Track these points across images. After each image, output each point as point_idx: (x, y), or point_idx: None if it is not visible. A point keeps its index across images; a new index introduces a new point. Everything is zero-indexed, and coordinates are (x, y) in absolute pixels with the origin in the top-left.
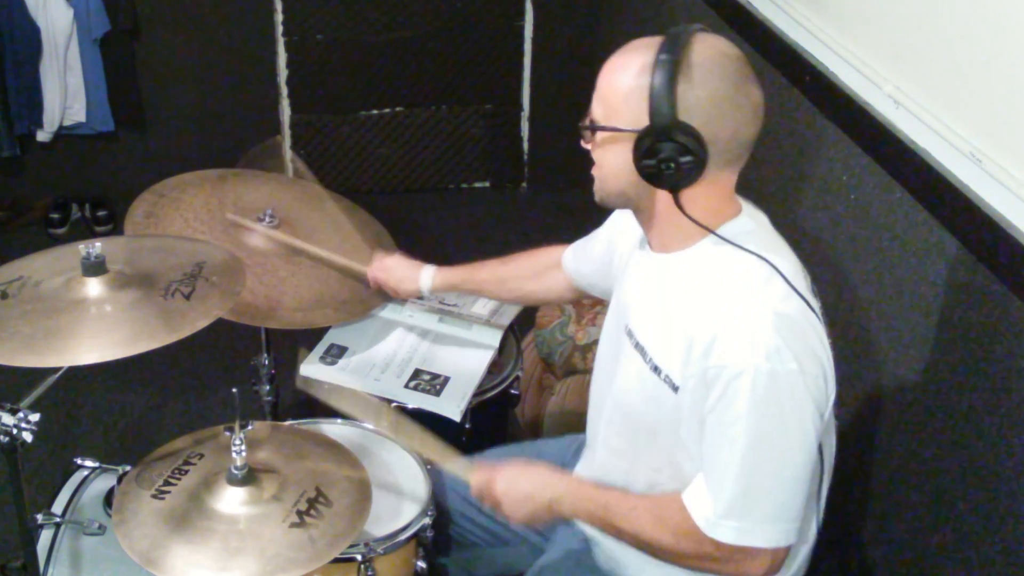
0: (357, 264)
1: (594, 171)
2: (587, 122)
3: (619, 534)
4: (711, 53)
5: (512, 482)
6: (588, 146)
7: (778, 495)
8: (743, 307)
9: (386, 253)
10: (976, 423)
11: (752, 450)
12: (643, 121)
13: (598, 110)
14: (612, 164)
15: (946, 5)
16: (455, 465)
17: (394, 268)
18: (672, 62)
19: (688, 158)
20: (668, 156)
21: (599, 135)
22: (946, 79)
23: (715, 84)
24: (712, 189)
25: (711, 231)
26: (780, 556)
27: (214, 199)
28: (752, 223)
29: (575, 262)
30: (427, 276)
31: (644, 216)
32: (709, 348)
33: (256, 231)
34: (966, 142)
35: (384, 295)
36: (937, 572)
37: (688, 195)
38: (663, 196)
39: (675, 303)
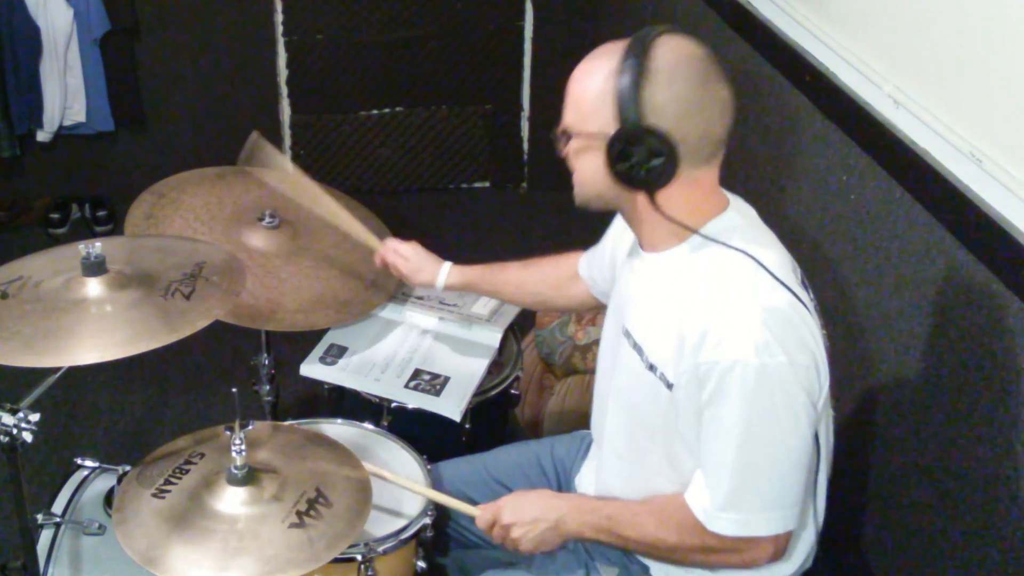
0: (370, 238)
1: (573, 176)
2: (560, 130)
3: (626, 543)
4: (675, 55)
5: (517, 509)
6: (563, 153)
7: (774, 484)
8: (731, 303)
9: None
10: (976, 423)
11: (746, 443)
12: (612, 126)
13: (570, 117)
14: (587, 169)
15: (946, 5)
16: (457, 503)
17: (411, 256)
18: (636, 66)
19: (659, 160)
20: (639, 159)
21: (572, 142)
22: (946, 79)
23: (680, 85)
24: (690, 187)
25: (693, 230)
26: (782, 542)
27: (214, 199)
28: (739, 218)
29: (589, 269)
30: (444, 273)
31: (628, 217)
32: (699, 345)
33: (273, 177)
34: (966, 142)
35: (384, 291)
36: (937, 571)
37: (665, 195)
38: (642, 198)
39: (666, 301)
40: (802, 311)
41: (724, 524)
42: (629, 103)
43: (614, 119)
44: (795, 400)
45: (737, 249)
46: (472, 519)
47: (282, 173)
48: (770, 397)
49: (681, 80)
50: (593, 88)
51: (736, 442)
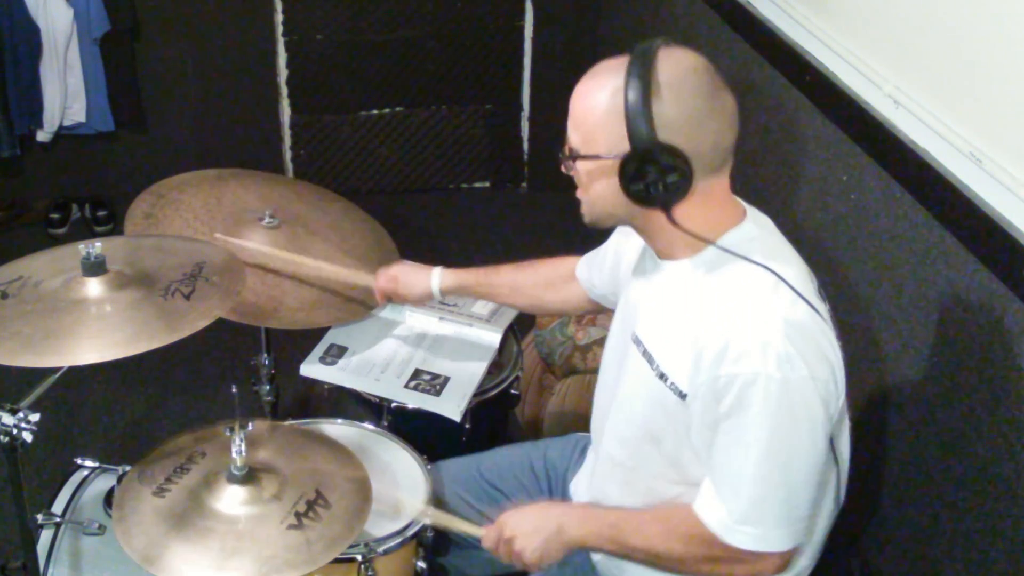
0: (361, 277)
1: (580, 194)
2: (566, 151)
3: (630, 551)
4: (679, 68)
5: (518, 521)
6: (571, 173)
7: (791, 498)
8: (753, 316)
9: (388, 264)
10: (976, 423)
11: (766, 457)
12: (623, 145)
13: (575, 137)
14: (598, 190)
15: (946, 5)
16: (464, 526)
17: (401, 275)
18: (642, 81)
19: (674, 176)
20: (654, 177)
21: (580, 163)
22: (946, 79)
23: (689, 99)
24: (705, 199)
25: (713, 243)
26: (789, 555)
27: (214, 199)
28: (756, 229)
29: (588, 272)
30: (436, 279)
31: (642, 232)
32: (720, 357)
33: (249, 247)
34: (966, 142)
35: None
36: (938, 571)
37: (682, 209)
38: (657, 214)
39: (682, 311)
40: (821, 324)
41: (742, 538)
42: (640, 120)
43: (624, 137)
44: (815, 414)
45: (756, 263)
46: (478, 539)
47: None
48: (791, 411)
49: (689, 93)
50: (599, 107)
51: (756, 455)
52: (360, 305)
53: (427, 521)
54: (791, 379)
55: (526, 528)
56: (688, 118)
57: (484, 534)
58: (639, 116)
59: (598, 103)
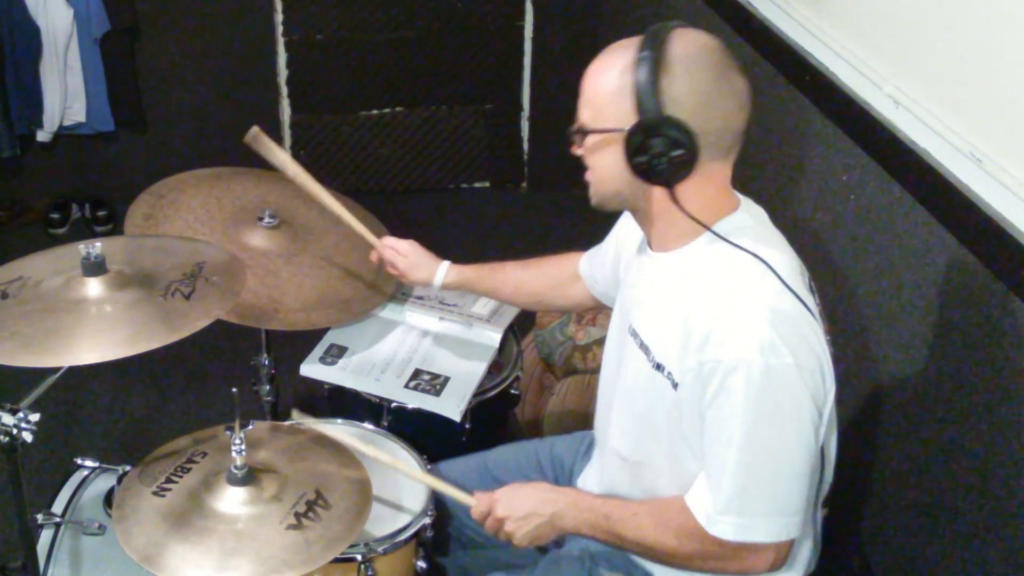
0: (368, 234)
1: (588, 176)
2: (575, 127)
3: (622, 543)
4: (691, 47)
5: (512, 503)
6: (579, 152)
7: (777, 490)
8: (737, 302)
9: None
10: (976, 423)
11: (749, 446)
12: (631, 119)
13: (585, 114)
14: (605, 165)
15: (946, 5)
16: (454, 491)
17: (409, 253)
18: (653, 58)
19: (679, 151)
20: (659, 151)
21: (589, 139)
22: (946, 79)
23: (698, 76)
24: (706, 183)
25: (707, 227)
26: (784, 550)
27: (213, 199)
28: (749, 218)
29: (590, 268)
30: (442, 272)
31: (642, 216)
32: (704, 343)
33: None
34: (966, 142)
35: (385, 291)
36: (936, 572)
37: (683, 190)
38: (659, 193)
39: (674, 301)
40: (808, 317)
41: (724, 528)
42: (648, 94)
43: (632, 112)
44: (800, 403)
45: (746, 251)
46: (468, 510)
47: (281, 167)
48: (775, 399)
49: (698, 70)
50: (609, 83)
51: (739, 444)
52: (360, 305)
53: (419, 480)
54: (774, 366)
55: (519, 512)
56: (697, 95)
57: (475, 504)
58: (647, 89)
59: (609, 79)
